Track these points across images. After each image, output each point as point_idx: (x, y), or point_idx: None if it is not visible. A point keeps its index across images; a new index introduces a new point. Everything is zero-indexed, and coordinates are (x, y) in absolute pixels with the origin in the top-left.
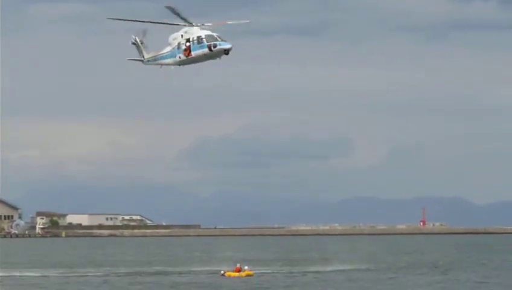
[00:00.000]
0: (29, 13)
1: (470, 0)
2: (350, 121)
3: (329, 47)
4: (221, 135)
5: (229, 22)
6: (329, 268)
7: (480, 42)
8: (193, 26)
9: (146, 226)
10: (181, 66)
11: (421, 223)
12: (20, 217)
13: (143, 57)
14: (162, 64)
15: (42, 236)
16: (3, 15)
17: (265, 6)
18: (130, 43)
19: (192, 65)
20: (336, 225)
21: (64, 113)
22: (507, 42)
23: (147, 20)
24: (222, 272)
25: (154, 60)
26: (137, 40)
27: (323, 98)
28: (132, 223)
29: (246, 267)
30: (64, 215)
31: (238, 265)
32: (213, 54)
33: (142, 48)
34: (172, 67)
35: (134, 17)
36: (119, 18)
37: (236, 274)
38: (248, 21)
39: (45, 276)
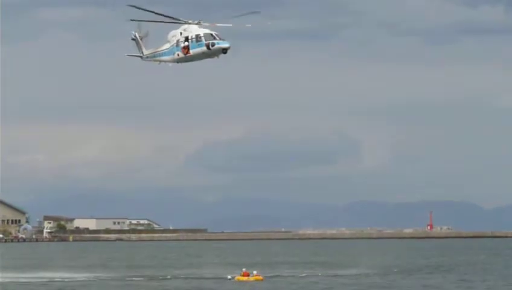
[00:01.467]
0: (36, 18)
1: (477, 4)
2: (357, 125)
3: (336, 51)
4: (227, 139)
5: (218, 24)
6: None
7: (487, 46)
8: (192, 24)
9: (153, 231)
10: (179, 64)
11: (429, 227)
12: (27, 222)
13: (142, 53)
14: (160, 61)
15: (49, 240)
16: (10, 20)
17: (274, 11)
18: (130, 38)
19: (201, 70)
20: (343, 229)
21: (72, 118)
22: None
23: (163, 14)
24: (229, 277)
25: (153, 56)
26: (137, 35)
27: (330, 102)
28: (139, 228)
29: (254, 272)
30: (71, 220)
31: (244, 269)
32: (211, 52)
33: (141, 44)
34: (170, 64)
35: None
36: (140, 7)
37: (245, 278)
38: (230, 25)
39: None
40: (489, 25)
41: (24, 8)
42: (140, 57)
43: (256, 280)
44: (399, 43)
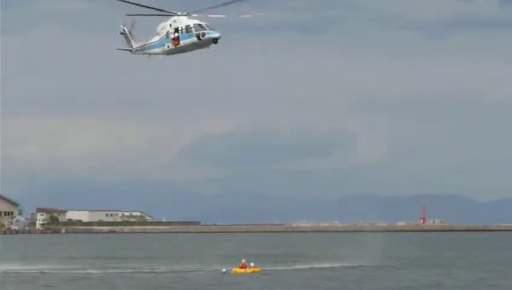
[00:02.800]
0: (33, 10)
1: None
2: (351, 118)
3: (331, 44)
4: (222, 132)
5: (210, 16)
6: None
7: (482, 40)
8: (181, 15)
9: (146, 223)
10: (169, 56)
11: (421, 221)
12: (20, 214)
13: (131, 46)
14: (150, 54)
15: (42, 232)
16: (7, 10)
17: (271, 3)
18: (119, 33)
19: (194, 63)
20: (336, 222)
21: (65, 110)
22: (508, 40)
23: (146, 5)
24: (224, 270)
25: (142, 49)
26: (126, 29)
27: (323, 95)
28: (132, 220)
29: (252, 264)
30: (64, 212)
31: (243, 261)
32: (201, 42)
33: (130, 37)
34: (161, 56)
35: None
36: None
37: (243, 271)
38: (225, 16)
39: None
40: (485, 18)
41: (24, 1)
42: (130, 50)
43: (254, 272)
44: (397, 37)
